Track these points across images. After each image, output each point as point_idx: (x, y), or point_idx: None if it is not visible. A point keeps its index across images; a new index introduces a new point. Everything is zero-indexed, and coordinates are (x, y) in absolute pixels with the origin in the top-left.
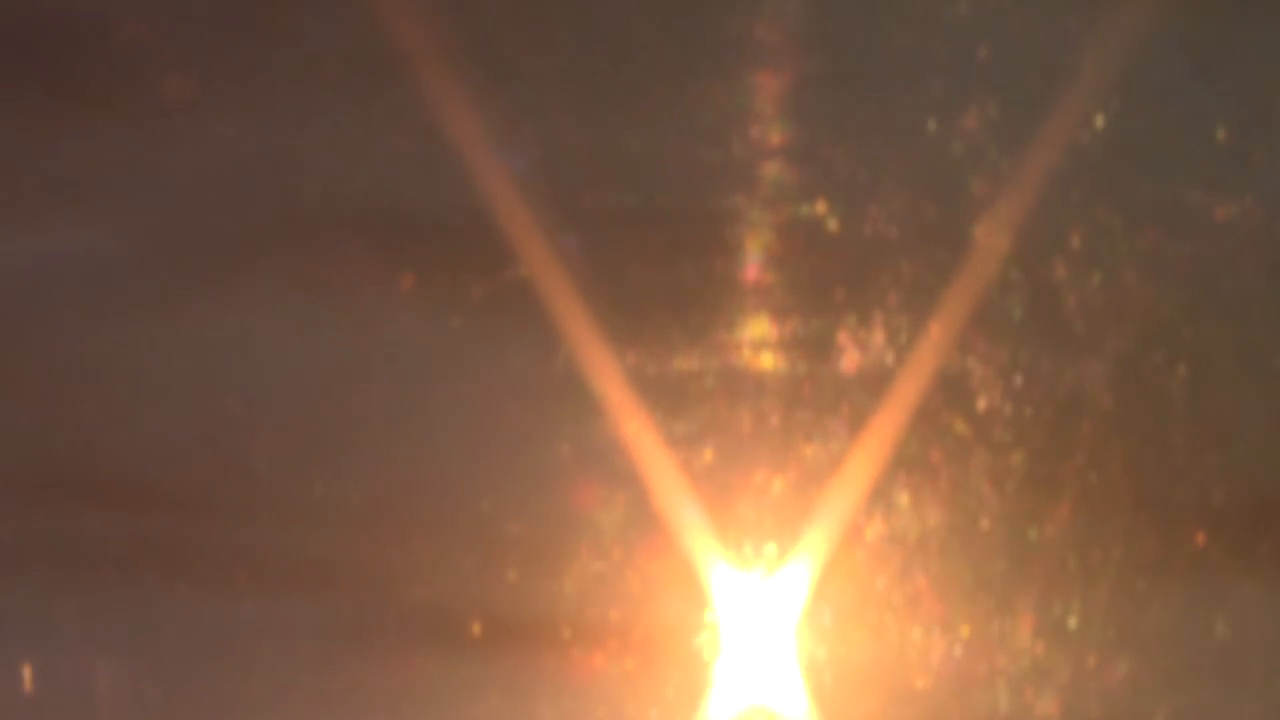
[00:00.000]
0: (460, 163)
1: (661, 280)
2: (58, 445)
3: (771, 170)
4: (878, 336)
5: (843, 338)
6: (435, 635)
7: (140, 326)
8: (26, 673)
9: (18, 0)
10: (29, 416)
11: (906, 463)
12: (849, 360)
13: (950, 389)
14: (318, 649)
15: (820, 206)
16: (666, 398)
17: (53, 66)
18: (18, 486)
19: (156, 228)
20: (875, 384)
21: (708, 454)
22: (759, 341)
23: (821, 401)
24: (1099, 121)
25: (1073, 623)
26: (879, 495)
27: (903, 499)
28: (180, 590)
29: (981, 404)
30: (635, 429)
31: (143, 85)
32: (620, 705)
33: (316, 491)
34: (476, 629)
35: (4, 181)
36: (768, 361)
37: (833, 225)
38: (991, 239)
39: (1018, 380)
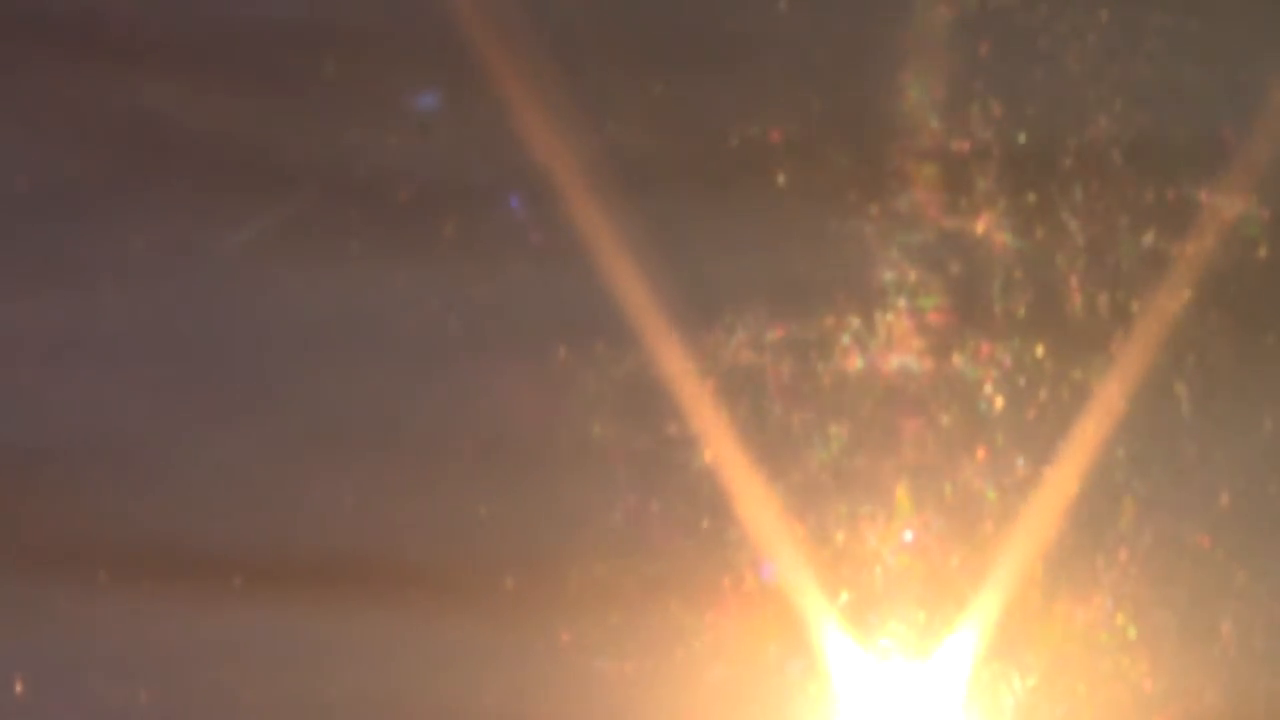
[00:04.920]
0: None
1: (663, 279)
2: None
3: (770, 169)
4: (878, 336)
5: (843, 338)
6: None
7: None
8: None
9: None
10: None
11: (904, 463)
12: (849, 360)
13: (950, 389)
14: (315, 654)
15: (821, 205)
16: (667, 397)
17: None
18: None
19: None
20: (876, 384)
21: (708, 454)
22: (760, 342)
23: (822, 401)
24: (1098, 121)
25: (1071, 623)
26: (877, 496)
27: (900, 499)
28: (176, 586)
29: (981, 404)
30: (637, 428)
31: None
32: (622, 706)
33: (314, 491)
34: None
35: None
36: (767, 361)
37: (833, 223)
38: (994, 238)
39: (1018, 380)
